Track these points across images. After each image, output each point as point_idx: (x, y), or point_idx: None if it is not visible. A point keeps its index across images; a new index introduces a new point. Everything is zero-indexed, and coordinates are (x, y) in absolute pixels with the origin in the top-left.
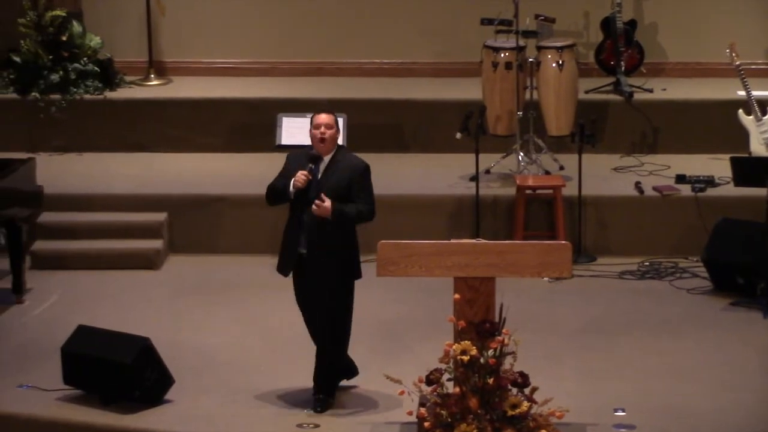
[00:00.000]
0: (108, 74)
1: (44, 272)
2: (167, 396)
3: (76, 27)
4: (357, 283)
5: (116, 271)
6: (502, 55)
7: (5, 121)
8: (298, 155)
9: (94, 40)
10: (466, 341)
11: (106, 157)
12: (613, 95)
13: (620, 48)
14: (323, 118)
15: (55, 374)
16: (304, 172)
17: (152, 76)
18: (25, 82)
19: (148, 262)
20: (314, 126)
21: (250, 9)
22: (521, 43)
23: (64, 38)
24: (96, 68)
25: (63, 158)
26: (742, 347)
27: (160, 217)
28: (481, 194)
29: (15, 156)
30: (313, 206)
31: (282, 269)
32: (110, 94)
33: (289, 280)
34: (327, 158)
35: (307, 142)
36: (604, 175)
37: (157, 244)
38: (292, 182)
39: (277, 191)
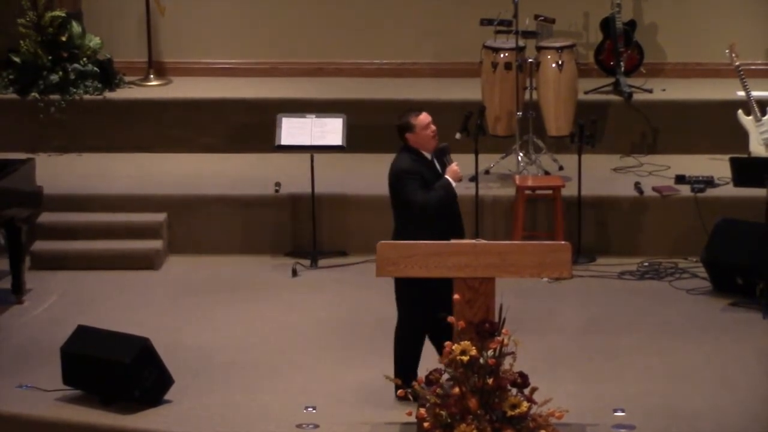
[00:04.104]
0: (107, 74)
1: (44, 272)
2: (167, 396)
3: (76, 27)
4: (358, 283)
5: (116, 272)
6: (502, 55)
7: (5, 121)
8: (413, 161)
9: (94, 41)
10: (466, 341)
11: (106, 158)
12: (612, 95)
13: (620, 48)
14: (428, 116)
15: (54, 374)
16: (457, 163)
17: (152, 76)
18: (24, 83)
19: (148, 262)
20: (424, 126)
21: (250, 9)
22: (521, 43)
23: (63, 38)
24: (95, 68)
25: (63, 158)
26: (742, 348)
27: (160, 217)
28: (480, 194)
29: (15, 156)
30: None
31: None
32: (110, 95)
33: (286, 281)
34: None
35: (307, 142)
36: (604, 176)
37: (156, 244)
38: (451, 180)
39: (443, 196)
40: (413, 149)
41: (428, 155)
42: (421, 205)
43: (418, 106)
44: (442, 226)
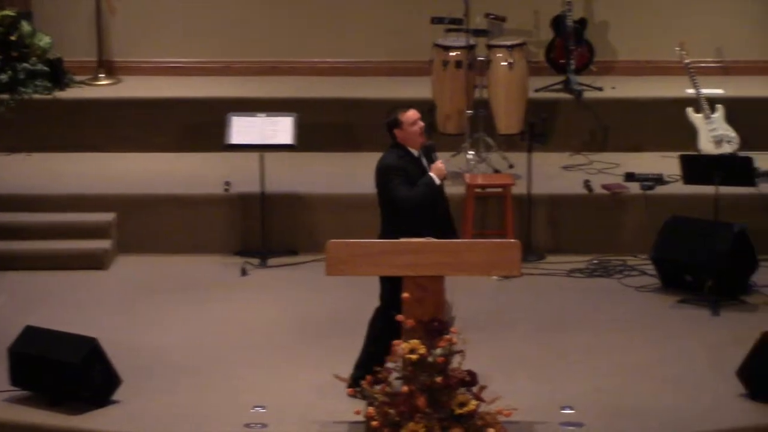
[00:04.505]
0: (57, 74)
1: None
2: (115, 396)
3: (26, 27)
4: (308, 282)
5: (65, 272)
6: (453, 53)
7: None
8: (398, 158)
9: (44, 40)
10: (415, 340)
11: (55, 157)
12: (563, 93)
13: (570, 46)
14: (415, 112)
15: (2, 375)
16: (443, 161)
17: (102, 75)
18: None
19: (97, 262)
20: (411, 123)
21: (202, 8)
22: (471, 41)
23: (13, 38)
24: (45, 68)
25: (11, 158)
26: (691, 345)
27: (109, 217)
28: None
29: None
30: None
31: None
32: (60, 94)
33: (236, 281)
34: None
35: (257, 141)
36: (554, 174)
37: (105, 244)
38: (435, 176)
39: (425, 192)
40: (401, 146)
41: (415, 152)
42: (401, 201)
43: (371, 105)
44: (427, 224)
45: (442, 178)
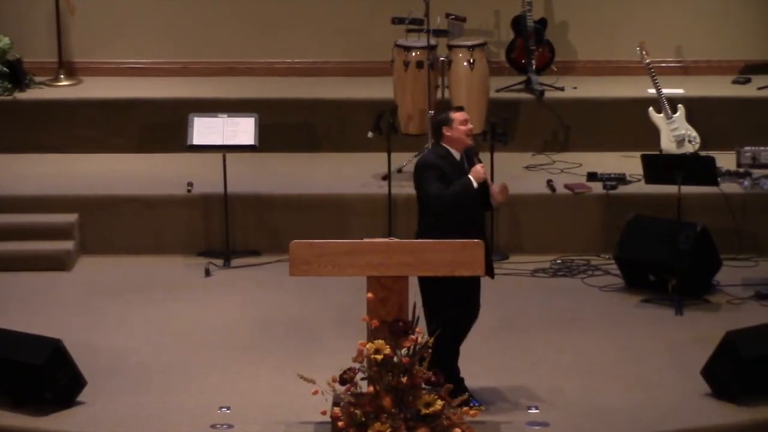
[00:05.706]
0: (17, 75)
1: None
2: (80, 398)
3: None
4: (271, 282)
5: (27, 273)
6: (414, 54)
7: None
8: (438, 157)
9: (3, 41)
10: (380, 340)
11: (16, 159)
12: (524, 94)
13: (531, 46)
14: (464, 113)
15: None
16: (483, 165)
17: (62, 76)
18: None
19: (59, 263)
20: (460, 122)
21: (161, 9)
22: (432, 42)
23: None
24: (5, 69)
25: None
26: (654, 344)
27: (71, 218)
28: (393, 193)
29: None
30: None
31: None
32: (20, 95)
33: (199, 281)
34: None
35: (219, 142)
36: (516, 174)
37: (68, 245)
38: (472, 178)
39: (459, 193)
40: (443, 147)
41: (457, 155)
42: (435, 197)
43: (330, 105)
44: (462, 226)
45: (479, 181)
